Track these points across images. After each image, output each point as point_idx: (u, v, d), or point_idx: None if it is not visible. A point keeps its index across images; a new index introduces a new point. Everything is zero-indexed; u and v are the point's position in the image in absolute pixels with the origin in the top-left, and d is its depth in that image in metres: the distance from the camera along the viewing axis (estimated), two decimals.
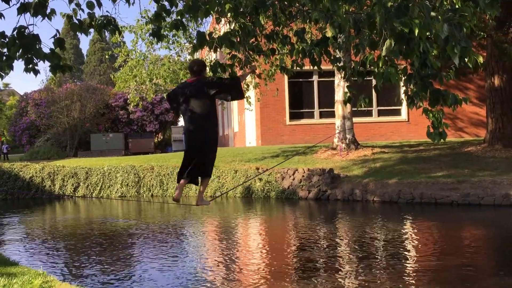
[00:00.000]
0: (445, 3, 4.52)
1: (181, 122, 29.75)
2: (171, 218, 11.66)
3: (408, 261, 6.89)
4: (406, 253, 7.42)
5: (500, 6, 6.77)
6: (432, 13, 3.30)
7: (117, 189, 15.65)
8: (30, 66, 4.53)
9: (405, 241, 8.25)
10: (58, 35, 4.55)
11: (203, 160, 5.33)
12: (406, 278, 5.99)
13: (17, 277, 5.31)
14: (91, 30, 4.70)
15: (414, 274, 6.19)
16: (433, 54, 4.00)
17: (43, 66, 44.94)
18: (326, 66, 6.39)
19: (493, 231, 8.95)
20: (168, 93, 5.71)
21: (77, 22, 4.58)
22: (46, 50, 4.49)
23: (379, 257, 7.18)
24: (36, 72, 4.62)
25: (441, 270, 6.36)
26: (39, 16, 4.45)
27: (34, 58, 4.47)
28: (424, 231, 9.10)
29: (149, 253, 7.86)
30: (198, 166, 5.32)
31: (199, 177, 5.53)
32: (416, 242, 8.22)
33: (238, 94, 5.43)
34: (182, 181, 5.39)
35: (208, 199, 5.98)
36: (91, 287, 5.96)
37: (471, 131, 20.78)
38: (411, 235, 8.79)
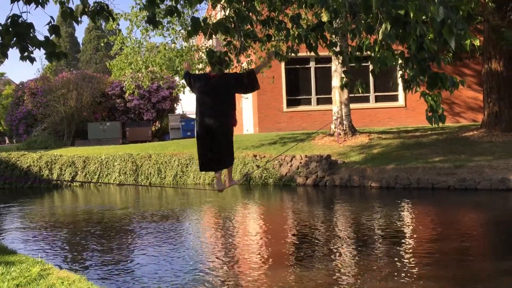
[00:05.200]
0: None
1: (178, 110, 29.66)
2: (170, 206, 11.69)
3: (405, 246, 6.93)
4: (403, 237, 7.46)
5: None
6: None
7: (115, 178, 15.66)
8: (26, 54, 4.49)
9: (403, 226, 8.29)
10: (52, 22, 4.50)
11: (222, 153, 5.51)
12: (404, 262, 6.03)
13: (15, 265, 5.32)
14: (83, 18, 4.66)
15: (412, 258, 6.23)
16: (429, 37, 3.98)
17: (39, 55, 44.99)
18: (323, 52, 6.35)
19: (490, 215, 9.00)
20: (188, 74, 5.75)
21: (68, 10, 4.53)
22: (41, 38, 4.45)
23: (377, 242, 7.22)
24: (32, 60, 4.58)
25: (438, 254, 6.40)
26: (33, 4, 4.41)
27: (29, 46, 4.43)
28: (421, 216, 9.15)
29: (148, 240, 7.88)
30: (218, 162, 5.53)
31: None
32: (414, 226, 8.27)
33: (255, 85, 5.56)
34: (216, 174, 5.81)
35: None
36: (90, 275, 5.98)
37: (468, 116, 20.78)
38: (408, 220, 8.84)
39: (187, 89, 17.06)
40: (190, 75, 5.73)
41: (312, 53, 5.38)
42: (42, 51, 4.52)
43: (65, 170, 16.20)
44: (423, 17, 3.47)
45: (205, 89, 5.44)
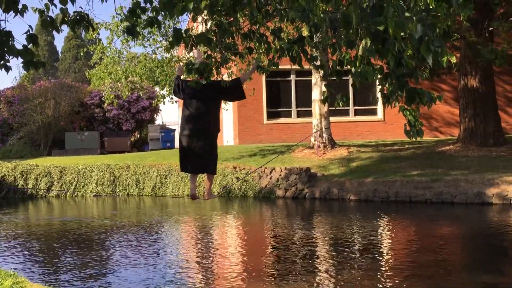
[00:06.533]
0: (420, 4, 4.57)
1: (158, 120, 29.48)
2: (148, 217, 11.55)
3: (383, 259, 6.96)
4: (381, 250, 7.50)
5: (474, 8, 6.89)
6: (407, 14, 3.33)
7: (92, 188, 15.44)
8: (2, 62, 4.41)
9: (380, 239, 8.35)
10: (31, 31, 4.44)
11: (205, 158, 5.72)
12: (382, 275, 6.06)
13: None
14: (64, 27, 4.61)
15: (390, 271, 6.26)
16: (408, 54, 4.05)
17: (16, 63, 44.35)
18: (304, 65, 6.40)
19: (466, 228, 9.13)
20: (179, 78, 6.04)
21: (48, 18, 4.48)
22: (19, 46, 4.38)
23: (355, 255, 7.24)
24: (8, 69, 4.50)
25: (415, 267, 6.45)
26: (11, 12, 4.34)
27: (6, 55, 4.36)
28: (399, 229, 9.23)
29: (124, 252, 7.76)
30: (201, 165, 5.75)
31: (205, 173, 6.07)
32: (391, 239, 8.33)
33: (239, 95, 5.95)
34: (192, 185, 5.95)
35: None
36: None
37: (446, 131, 21.14)
38: (386, 233, 8.90)
39: (167, 99, 17.07)
40: (180, 80, 5.90)
41: (293, 66, 5.43)
42: (19, 59, 4.44)
43: (40, 180, 15.91)
44: (402, 34, 3.53)
45: (192, 96, 5.69)
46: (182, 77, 6.23)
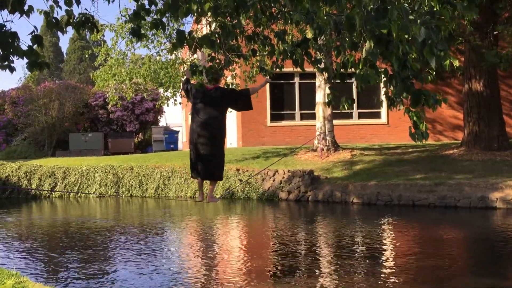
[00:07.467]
0: (425, 8, 4.57)
1: (162, 122, 29.54)
2: (150, 219, 11.56)
3: (385, 262, 6.95)
4: (383, 254, 7.48)
5: (479, 11, 6.87)
6: (411, 16, 3.34)
7: (96, 189, 15.47)
8: (6, 63, 4.43)
9: (383, 243, 8.32)
10: (36, 32, 4.46)
11: (210, 164, 5.86)
12: (384, 278, 6.04)
13: None
14: (68, 28, 4.63)
15: (392, 274, 6.24)
16: (412, 56, 4.04)
17: (21, 64, 44.81)
18: (307, 68, 6.41)
19: (469, 232, 9.09)
20: (188, 82, 6.12)
21: (53, 20, 4.50)
22: (24, 47, 4.40)
23: (357, 258, 7.22)
24: (12, 69, 4.52)
25: (418, 271, 6.43)
26: (17, 13, 4.36)
27: (12, 55, 4.37)
28: (401, 233, 9.20)
29: (127, 253, 7.77)
30: (205, 170, 5.89)
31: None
32: (394, 243, 8.31)
33: (247, 105, 6.13)
34: (198, 185, 6.31)
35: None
36: None
37: (450, 135, 21.07)
38: (388, 236, 8.88)
39: (171, 101, 17.10)
40: (189, 83, 5.99)
41: (297, 69, 5.44)
42: (24, 59, 4.46)
43: (44, 181, 15.95)
44: (406, 36, 3.53)
45: (200, 101, 5.82)
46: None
